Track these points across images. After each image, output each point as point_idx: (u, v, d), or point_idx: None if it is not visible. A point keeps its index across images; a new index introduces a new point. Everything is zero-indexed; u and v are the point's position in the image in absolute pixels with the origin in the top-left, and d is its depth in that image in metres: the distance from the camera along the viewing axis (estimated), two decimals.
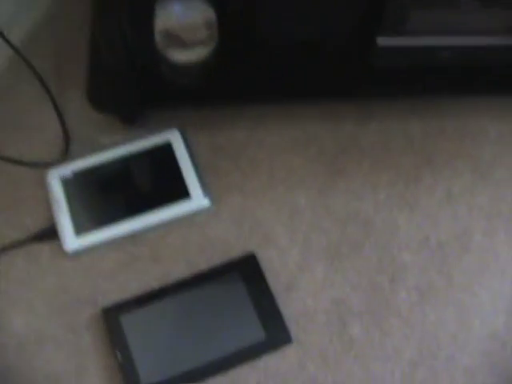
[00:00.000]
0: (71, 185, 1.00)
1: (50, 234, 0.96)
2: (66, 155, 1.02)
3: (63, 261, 0.96)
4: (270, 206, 1.00)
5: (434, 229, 0.99)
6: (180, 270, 0.94)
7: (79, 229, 0.96)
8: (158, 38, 0.88)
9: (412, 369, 0.90)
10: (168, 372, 0.87)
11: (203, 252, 0.97)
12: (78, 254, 0.96)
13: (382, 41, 0.90)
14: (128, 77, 0.93)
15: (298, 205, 0.99)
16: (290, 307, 0.93)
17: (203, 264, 0.95)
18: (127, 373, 0.86)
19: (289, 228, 0.97)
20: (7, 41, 0.99)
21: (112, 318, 0.87)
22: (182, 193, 0.98)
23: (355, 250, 0.95)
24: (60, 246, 0.95)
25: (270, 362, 0.89)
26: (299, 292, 0.95)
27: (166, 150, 1.02)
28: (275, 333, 0.90)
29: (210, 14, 0.86)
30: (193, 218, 0.98)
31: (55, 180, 1.00)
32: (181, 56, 0.91)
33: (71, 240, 0.96)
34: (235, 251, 0.96)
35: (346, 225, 0.97)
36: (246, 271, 0.92)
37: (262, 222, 0.97)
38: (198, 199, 0.97)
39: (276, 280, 0.95)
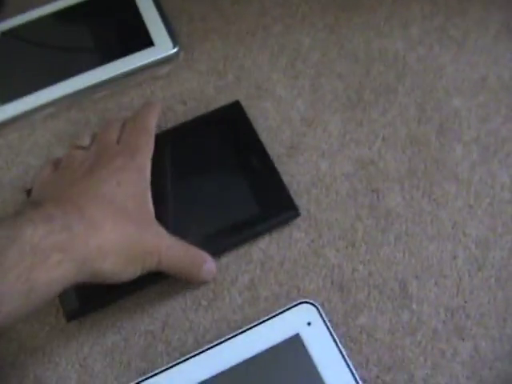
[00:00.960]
0: None
1: None
2: None
3: None
4: (263, 51, 0.70)
5: (493, 66, 0.67)
6: None
7: (5, 97, 0.67)
8: None
9: (483, 250, 0.58)
10: None
11: (171, 111, 0.67)
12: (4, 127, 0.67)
13: None
14: None
15: (302, 46, 0.65)
16: (295, 174, 0.63)
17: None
18: None
19: (289, 75, 0.63)
20: None
21: None
22: (143, 41, 0.62)
23: (384, 95, 0.62)
24: None
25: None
26: (307, 153, 0.64)
27: None
28: (275, 205, 0.61)
29: None
30: (156, 72, 0.62)
31: None
32: None
33: None
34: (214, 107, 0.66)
35: (369, 66, 0.64)
36: (228, 125, 0.65)
37: (251, 71, 0.66)
38: (162, 46, 0.67)
39: (274, 139, 0.64)
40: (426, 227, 0.57)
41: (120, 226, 0.51)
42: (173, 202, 0.59)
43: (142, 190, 0.55)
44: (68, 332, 0.56)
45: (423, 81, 0.64)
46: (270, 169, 0.60)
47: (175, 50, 0.66)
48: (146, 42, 0.66)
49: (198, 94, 0.65)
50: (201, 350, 0.53)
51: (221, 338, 0.53)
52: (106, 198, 0.52)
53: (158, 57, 0.66)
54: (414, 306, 0.55)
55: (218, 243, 0.58)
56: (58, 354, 0.55)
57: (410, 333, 0.54)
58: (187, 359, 0.53)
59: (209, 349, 0.53)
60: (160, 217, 0.56)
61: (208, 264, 0.55)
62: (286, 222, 0.59)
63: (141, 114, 0.60)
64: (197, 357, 0.53)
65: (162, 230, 0.54)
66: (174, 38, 0.67)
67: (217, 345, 0.53)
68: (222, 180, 0.61)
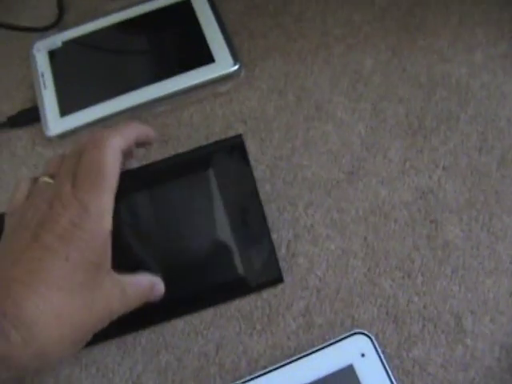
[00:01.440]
0: (60, 56, 0.72)
1: (31, 116, 0.69)
2: (58, 23, 0.75)
3: (46, 149, 0.69)
4: (324, 72, 0.69)
5: None
6: None
7: (66, 109, 0.68)
8: None
9: None
10: None
11: (231, 129, 0.67)
12: (63, 139, 0.68)
13: None
14: None
15: (363, 68, 0.64)
16: (353, 201, 0.63)
17: None
18: None
19: (350, 97, 0.62)
20: None
21: None
22: (204, 56, 0.61)
23: (446, 122, 0.61)
24: (42, 131, 0.68)
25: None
26: (366, 179, 0.64)
27: (183, 8, 0.72)
28: (260, 270, 0.59)
29: None
30: (217, 88, 0.63)
31: (41, 51, 0.72)
32: None
33: (55, 122, 0.67)
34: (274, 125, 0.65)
35: (432, 91, 0.62)
36: (225, 166, 0.59)
37: (312, 91, 0.64)
38: (223, 63, 0.67)
39: (334, 163, 0.65)
40: (483, 261, 0.57)
41: (64, 317, 0.46)
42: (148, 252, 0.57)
43: (97, 254, 0.47)
44: (122, 348, 0.56)
45: (486, 109, 0.63)
46: (261, 227, 0.58)
47: (236, 67, 0.66)
48: (207, 58, 0.66)
49: (258, 113, 0.65)
50: (254, 375, 0.53)
51: (274, 363, 0.53)
52: (51, 280, 0.45)
53: (219, 73, 0.65)
54: (469, 342, 0.54)
55: (190, 303, 0.58)
56: (112, 370, 0.55)
57: (464, 369, 0.53)
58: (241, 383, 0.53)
59: (262, 374, 0.53)
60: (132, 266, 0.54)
61: (156, 287, 0.54)
62: (269, 286, 0.57)
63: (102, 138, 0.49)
64: (250, 382, 0.53)
65: (112, 285, 0.50)
66: (235, 54, 0.66)
67: (270, 371, 0.53)
68: (207, 233, 0.58)
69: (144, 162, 0.60)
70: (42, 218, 0.47)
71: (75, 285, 0.46)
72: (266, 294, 0.58)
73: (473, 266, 0.57)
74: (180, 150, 0.61)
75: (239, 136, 0.59)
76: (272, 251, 0.58)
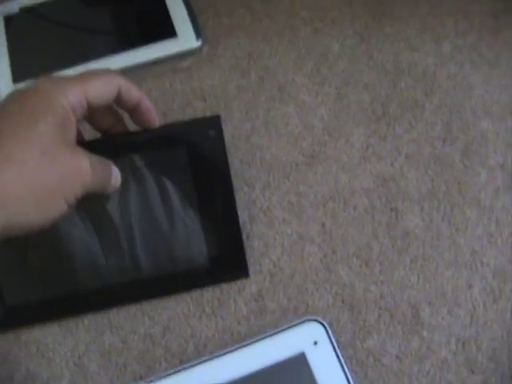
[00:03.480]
0: (16, 23, 0.68)
1: None
2: None
3: None
4: (289, 53, 0.66)
5: None
6: None
7: (19, 76, 0.64)
8: None
9: (500, 281, 0.55)
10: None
11: (189, 107, 0.64)
12: None
13: None
14: None
15: (329, 52, 0.61)
16: (312, 185, 0.60)
17: None
18: None
19: (314, 80, 0.59)
20: None
21: None
22: (166, 31, 0.58)
23: (410, 111, 0.59)
24: None
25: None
26: (327, 164, 0.61)
27: None
28: (226, 261, 0.56)
29: None
30: (177, 64, 0.60)
31: None
32: None
33: (7, 89, 0.63)
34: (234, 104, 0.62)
35: (398, 79, 0.60)
36: (199, 145, 0.55)
37: (275, 72, 0.61)
38: (186, 38, 0.63)
39: (294, 146, 0.62)
40: (443, 252, 0.54)
41: (32, 180, 0.43)
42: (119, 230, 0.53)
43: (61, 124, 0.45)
44: (64, 328, 0.52)
45: (451, 99, 0.61)
46: (231, 217, 0.54)
47: (199, 43, 0.63)
48: (169, 32, 0.63)
49: (219, 91, 0.62)
50: (202, 359, 0.49)
51: (223, 349, 0.50)
52: (16, 145, 0.43)
53: (181, 49, 0.63)
54: (425, 334, 0.51)
55: (153, 287, 0.54)
56: (53, 350, 0.52)
57: (419, 361, 0.51)
58: (187, 368, 0.49)
59: (210, 359, 0.50)
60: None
61: (114, 171, 0.50)
62: (232, 280, 0.54)
63: None
64: (197, 366, 0.50)
65: (81, 155, 0.46)
66: (199, 30, 0.63)
67: (219, 356, 0.50)
68: (176, 215, 0.54)
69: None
70: None
71: (44, 149, 0.43)
72: None
73: (432, 257, 0.54)
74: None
75: (217, 117, 0.54)
76: (239, 242, 0.54)
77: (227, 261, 0.53)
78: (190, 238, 0.53)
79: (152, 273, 0.52)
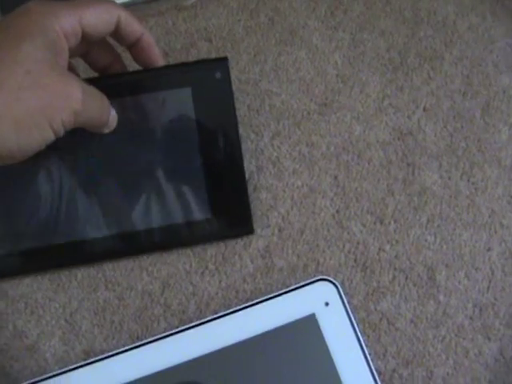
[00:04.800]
0: None
1: None
2: None
3: None
4: None
5: None
6: None
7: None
8: None
9: None
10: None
11: (193, 47, 0.58)
12: None
13: None
14: None
15: None
16: (325, 135, 0.55)
17: None
18: None
19: (328, 24, 0.57)
20: None
21: None
22: None
23: (430, 62, 0.56)
24: None
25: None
26: (340, 113, 0.56)
27: None
28: (229, 216, 0.50)
29: None
30: (181, 1, 0.59)
31: None
32: None
33: None
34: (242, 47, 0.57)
35: (416, 27, 0.58)
36: (205, 90, 0.49)
37: (286, 14, 0.60)
38: None
39: (306, 93, 0.57)
40: (461, 212, 0.50)
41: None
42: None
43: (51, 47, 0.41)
44: (56, 282, 0.47)
45: (472, 52, 0.56)
46: (236, 167, 0.49)
47: None
48: None
49: (225, 32, 0.56)
50: (203, 319, 0.45)
51: (227, 308, 0.45)
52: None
53: None
54: (441, 298, 0.47)
55: (151, 240, 0.48)
56: (43, 306, 0.47)
57: (434, 326, 0.47)
58: (187, 328, 0.44)
59: (213, 319, 0.45)
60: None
61: (113, 114, 0.46)
62: (236, 237, 0.50)
63: None
64: (199, 327, 0.45)
65: (73, 80, 0.41)
66: None
67: (222, 316, 0.45)
68: (177, 163, 0.49)
69: None
70: None
71: (29, 69, 0.39)
72: None
73: (450, 217, 0.50)
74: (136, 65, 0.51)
75: (224, 59, 0.49)
76: (244, 195, 0.49)
77: (231, 216, 0.48)
78: (192, 189, 0.47)
79: (150, 225, 0.47)
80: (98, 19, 0.42)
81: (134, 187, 0.48)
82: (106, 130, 0.45)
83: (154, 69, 0.47)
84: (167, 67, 0.48)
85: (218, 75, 0.49)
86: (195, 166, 0.48)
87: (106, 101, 0.44)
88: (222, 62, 0.49)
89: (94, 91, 0.43)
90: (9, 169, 0.40)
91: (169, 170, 0.48)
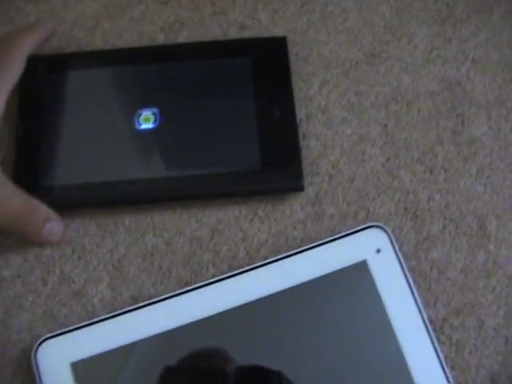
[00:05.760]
0: None
1: None
2: None
3: None
4: None
5: None
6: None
7: None
8: None
9: None
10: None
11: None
12: None
13: None
14: None
15: None
16: (374, 84, 0.54)
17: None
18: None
19: None
20: None
21: None
22: None
23: (477, 14, 0.57)
24: None
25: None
26: (388, 63, 0.55)
27: None
28: (280, 170, 0.49)
29: None
30: None
31: None
32: None
33: None
34: None
35: None
36: (263, 61, 0.53)
37: None
38: None
39: (353, 43, 0.56)
40: (511, 164, 0.49)
41: None
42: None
43: None
44: (103, 228, 0.46)
45: None
46: (290, 126, 0.50)
47: None
48: None
49: None
50: (253, 265, 0.43)
51: (277, 254, 0.44)
52: None
53: None
54: (492, 248, 0.46)
55: (200, 185, 0.48)
56: (90, 252, 0.46)
57: (485, 276, 0.46)
58: (237, 274, 0.43)
59: (263, 265, 0.44)
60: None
61: (52, 223, 0.45)
62: (285, 191, 0.49)
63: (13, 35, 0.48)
64: (248, 273, 0.44)
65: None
66: None
67: (272, 262, 0.44)
68: (233, 120, 0.50)
69: None
70: None
71: None
72: None
73: (500, 168, 0.49)
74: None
75: (283, 38, 0.53)
76: (297, 156, 0.49)
77: (281, 170, 0.47)
78: (243, 138, 0.46)
79: (199, 171, 0.46)
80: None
81: (193, 134, 0.48)
82: (42, 242, 0.46)
83: (215, 41, 0.53)
84: (229, 41, 0.54)
85: (276, 52, 0.52)
86: (249, 117, 0.49)
87: (35, 210, 0.45)
88: (280, 41, 0.53)
89: (13, 194, 0.43)
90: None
91: (224, 119, 0.49)
